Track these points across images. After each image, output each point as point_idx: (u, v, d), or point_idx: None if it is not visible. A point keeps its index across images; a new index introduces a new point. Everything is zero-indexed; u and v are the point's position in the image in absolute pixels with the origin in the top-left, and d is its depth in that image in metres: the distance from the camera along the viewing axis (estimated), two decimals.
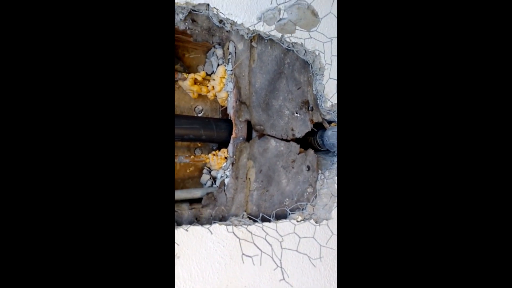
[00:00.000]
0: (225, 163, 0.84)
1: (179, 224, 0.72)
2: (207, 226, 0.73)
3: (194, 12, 0.72)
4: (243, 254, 0.70)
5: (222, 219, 0.79)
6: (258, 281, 0.79)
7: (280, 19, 0.78)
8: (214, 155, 0.84)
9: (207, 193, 0.79)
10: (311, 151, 0.94)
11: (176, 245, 0.67)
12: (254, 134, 0.85)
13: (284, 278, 0.70)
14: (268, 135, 0.87)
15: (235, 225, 0.76)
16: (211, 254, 0.73)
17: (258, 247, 0.69)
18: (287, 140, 0.89)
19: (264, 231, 0.75)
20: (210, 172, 0.88)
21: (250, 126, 0.85)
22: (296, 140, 0.91)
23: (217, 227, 0.74)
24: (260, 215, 0.83)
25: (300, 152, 0.92)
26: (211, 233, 0.72)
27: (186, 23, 0.73)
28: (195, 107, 0.89)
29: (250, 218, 0.82)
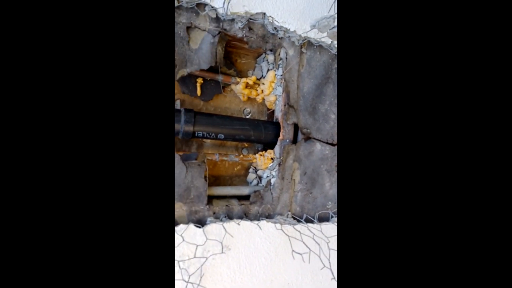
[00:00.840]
0: (271, 164, 0.88)
1: (230, 218, 0.78)
2: (256, 222, 0.77)
3: (251, 20, 0.77)
4: (293, 251, 0.74)
5: (268, 216, 0.83)
6: (301, 280, 0.82)
7: (334, 27, 0.80)
8: (261, 155, 0.89)
9: (255, 191, 0.83)
10: None
11: (230, 237, 0.72)
12: (300, 137, 0.88)
13: (334, 277, 0.72)
14: (314, 138, 0.89)
15: (281, 224, 0.80)
16: (259, 249, 0.77)
17: (307, 246, 0.72)
18: (332, 144, 0.91)
19: (311, 232, 0.78)
20: (256, 171, 0.93)
21: (296, 129, 0.88)
22: None
23: (265, 223, 0.79)
24: (304, 216, 0.86)
25: None
26: (260, 229, 0.76)
27: (244, 31, 0.78)
28: (244, 109, 0.94)
29: (294, 218, 0.85)
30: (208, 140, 0.89)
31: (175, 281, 0.65)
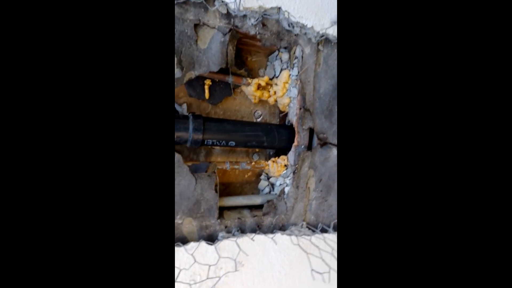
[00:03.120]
0: (284, 171, 0.82)
1: (243, 231, 0.73)
2: (271, 236, 0.73)
3: (265, 16, 0.69)
4: (312, 270, 0.70)
5: (282, 227, 0.79)
6: None
7: None
8: (273, 162, 0.83)
9: (268, 201, 0.79)
10: None
11: (244, 255, 0.68)
12: (316, 142, 0.82)
13: None
14: (330, 143, 0.83)
15: (296, 235, 0.76)
16: (273, 263, 0.74)
17: (327, 263, 0.69)
18: None
19: (329, 246, 0.74)
20: (268, 178, 0.87)
21: (311, 133, 0.82)
22: None
23: (279, 237, 0.74)
24: (319, 226, 0.82)
25: None
26: (275, 244, 0.72)
27: (257, 28, 0.70)
28: (255, 111, 0.88)
29: (309, 228, 0.80)
30: (217, 147, 0.83)
31: None
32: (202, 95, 0.77)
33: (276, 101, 0.85)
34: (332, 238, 0.78)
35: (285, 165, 0.82)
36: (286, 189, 0.80)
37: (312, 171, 0.82)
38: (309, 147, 0.82)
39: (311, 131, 0.82)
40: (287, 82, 0.81)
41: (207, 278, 0.62)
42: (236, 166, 0.78)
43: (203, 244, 0.64)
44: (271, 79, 0.84)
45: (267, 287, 0.72)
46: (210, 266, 0.63)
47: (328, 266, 0.70)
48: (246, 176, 0.87)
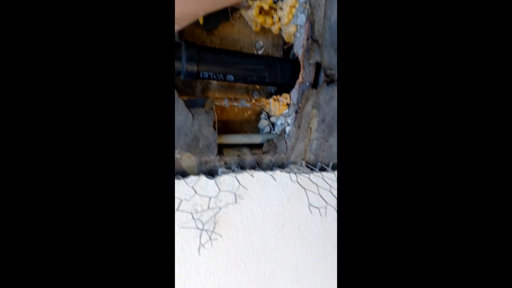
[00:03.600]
0: (286, 110, 0.79)
1: (243, 168, 0.74)
2: (270, 172, 0.74)
3: None
4: (310, 204, 0.73)
5: (281, 166, 0.80)
6: (310, 222, 0.84)
7: None
8: (275, 100, 0.78)
9: (268, 140, 0.77)
10: None
11: (243, 189, 0.70)
12: (322, 79, 0.76)
13: None
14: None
15: (296, 173, 0.77)
16: (271, 198, 0.77)
17: (324, 199, 0.71)
18: None
19: (327, 183, 0.75)
20: (269, 117, 0.84)
21: (318, 68, 0.75)
22: None
23: (278, 174, 0.75)
24: (318, 165, 0.82)
25: None
26: (275, 180, 0.73)
27: None
28: (256, 42, 0.79)
29: (308, 167, 0.81)
30: (215, 81, 0.77)
31: (190, 229, 0.66)
32: (196, 20, 0.67)
33: (280, 29, 0.75)
34: (330, 176, 0.79)
35: (287, 104, 0.78)
36: (287, 129, 0.78)
37: (315, 111, 0.78)
38: (314, 84, 0.77)
39: (318, 66, 0.75)
40: (294, 6, 0.70)
41: (208, 209, 0.65)
42: (235, 103, 0.73)
43: (203, 178, 0.65)
44: (275, 2, 0.72)
45: (265, 218, 0.77)
46: (210, 198, 0.66)
47: (325, 202, 0.73)
48: (246, 114, 0.84)
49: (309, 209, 0.73)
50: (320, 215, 0.74)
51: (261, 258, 0.79)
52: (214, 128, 0.67)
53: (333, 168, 0.84)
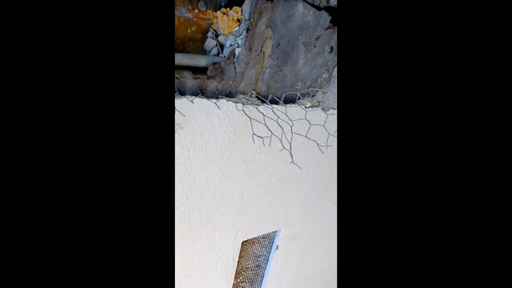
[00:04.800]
0: (237, 28, 0.67)
1: (182, 94, 0.64)
2: (214, 100, 0.66)
3: None
4: (253, 134, 0.68)
5: (229, 95, 0.72)
6: (258, 157, 0.82)
7: None
8: (224, 13, 0.65)
9: (214, 63, 0.67)
10: None
11: (181, 116, 0.61)
12: None
13: (293, 161, 0.73)
14: None
15: (243, 103, 0.70)
16: (216, 129, 0.70)
17: (269, 129, 0.67)
18: (318, 8, 0.70)
19: (275, 114, 0.71)
20: (216, 36, 0.72)
21: None
22: (329, 10, 0.72)
23: (224, 103, 0.68)
24: (270, 97, 0.76)
25: (328, 28, 0.75)
26: (219, 109, 0.66)
27: None
28: None
29: (258, 98, 0.75)
30: None
31: None
32: None
33: None
34: (280, 109, 0.75)
35: (238, 20, 0.66)
36: (237, 51, 0.68)
37: (269, 31, 0.68)
38: None
39: None
40: None
41: None
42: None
43: None
44: None
45: (208, 150, 0.72)
46: None
47: (270, 132, 0.69)
48: (189, 31, 0.70)
49: (252, 138, 0.70)
50: (264, 144, 0.71)
51: (205, 191, 0.77)
52: None
53: (285, 102, 0.80)
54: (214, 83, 0.68)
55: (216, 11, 0.67)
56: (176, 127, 0.64)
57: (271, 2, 0.63)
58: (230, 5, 0.68)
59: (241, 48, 0.67)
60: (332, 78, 0.85)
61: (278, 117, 0.72)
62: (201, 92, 0.67)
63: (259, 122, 0.70)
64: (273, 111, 0.72)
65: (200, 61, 0.67)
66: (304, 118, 0.78)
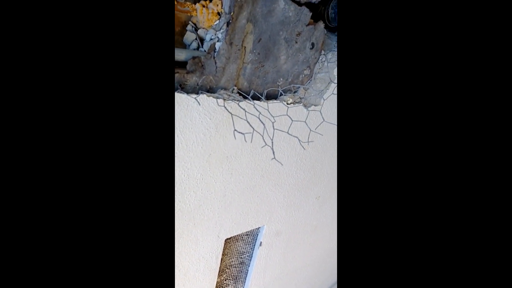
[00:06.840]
0: (217, 21, 0.65)
1: None
2: (194, 95, 0.64)
3: None
4: (235, 130, 0.67)
5: (210, 90, 0.70)
6: (240, 154, 0.82)
7: None
8: (203, 6, 0.64)
9: (193, 57, 0.65)
10: (321, 25, 0.77)
11: None
12: None
13: (275, 157, 0.73)
14: None
15: (225, 99, 0.69)
16: (197, 125, 0.69)
17: (251, 125, 0.66)
18: (299, 3, 0.70)
19: (257, 110, 0.70)
20: (196, 30, 0.70)
21: None
22: (310, 6, 0.72)
23: (205, 98, 0.66)
24: (252, 92, 0.76)
25: (309, 24, 0.75)
26: (199, 104, 0.64)
27: None
28: None
29: (240, 94, 0.74)
30: None
31: None
32: None
33: None
34: (262, 105, 0.74)
35: (218, 13, 0.64)
36: (217, 46, 0.66)
37: (250, 26, 0.67)
38: None
39: None
40: None
41: None
42: None
43: None
44: None
45: (189, 146, 0.70)
46: None
47: (252, 128, 0.69)
48: None
49: (234, 135, 0.69)
50: (245, 141, 0.70)
51: (186, 189, 0.75)
52: None
53: (267, 98, 0.79)
54: (194, 78, 0.66)
55: (195, 3, 0.65)
56: None
57: None
58: None
59: (221, 43, 0.66)
60: (313, 75, 0.86)
61: (260, 113, 0.72)
62: (180, 87, 0.65)
63: (240, 118, 0.69)
64: (254, 107, 0.72)
65: (179, 55, 0.65)
66: (286, 114, 0.78)
